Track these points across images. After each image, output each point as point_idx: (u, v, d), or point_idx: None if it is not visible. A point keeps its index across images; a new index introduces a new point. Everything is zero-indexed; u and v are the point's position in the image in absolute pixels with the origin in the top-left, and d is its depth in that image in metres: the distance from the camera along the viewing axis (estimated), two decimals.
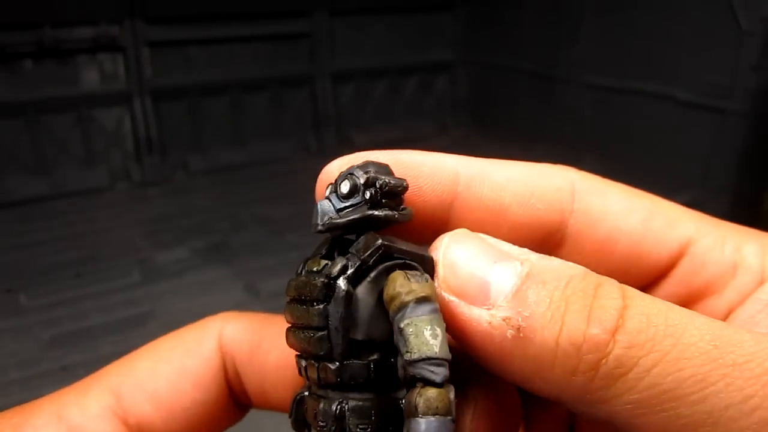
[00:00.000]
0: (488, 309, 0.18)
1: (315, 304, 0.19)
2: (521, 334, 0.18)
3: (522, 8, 1.56)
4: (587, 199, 0.24)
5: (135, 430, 0.24)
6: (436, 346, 0.18)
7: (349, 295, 0.19)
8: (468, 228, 0.21)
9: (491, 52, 1.67)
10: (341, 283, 0.19)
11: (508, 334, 0.18)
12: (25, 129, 1.26)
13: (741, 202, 1.16)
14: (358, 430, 0.19)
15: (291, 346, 0.20)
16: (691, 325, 0.17)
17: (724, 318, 0.24)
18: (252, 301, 0.89)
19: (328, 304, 0.19)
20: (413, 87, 1.69)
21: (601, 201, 0.24)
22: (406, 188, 0.21)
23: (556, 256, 0.24)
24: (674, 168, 1.27)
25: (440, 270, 0.19)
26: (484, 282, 0.19)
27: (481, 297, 0.19)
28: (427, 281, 0.19)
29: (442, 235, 0.20)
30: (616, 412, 0.17)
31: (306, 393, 0.21)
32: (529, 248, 0.23)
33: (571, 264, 0.19)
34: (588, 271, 0.19)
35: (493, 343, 0.18)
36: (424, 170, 0.22)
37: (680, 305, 0.24)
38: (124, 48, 1.32)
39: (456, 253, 0.20)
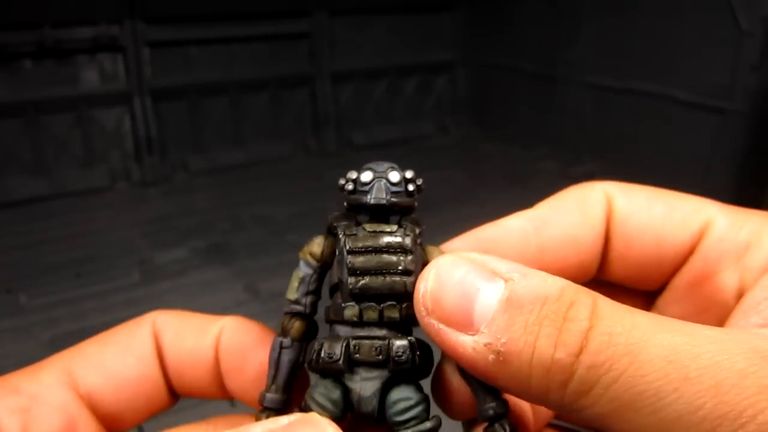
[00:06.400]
0: (472, 335, 0.21)
1: (408, 254, 0.24)
2: (501, 359, 0.21)
3: (522, 8, 1.56)
4: (616, 202, 0.29)
5: (86, 398, 0.26)
6: None
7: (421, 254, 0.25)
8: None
9: (491, 52, 1.67)
10: (419, 243, 0.25)
11: (489, 359, 0.21)
12: (25, 129, 1.26)
13: (741, 202, 1.15)
14: (422, 358, 0.24)
15: (362, 290, 0.24)
16: (652, 342, 0.19)
17: (736, 293, 0.27)
18: (252, 301, 0.89)
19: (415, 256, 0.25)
20: (413, 87, 1.69)
21: (627, 202, 0.29)
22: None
23: (605, 255, 0.29)
24: (674, 168, 1.26)
25: (428, 299, 0.22)
26: (467, 309, 0.21)
27: (465, 323, 0.21)
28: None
29: (429, 264, 0.23)
30: (590, 420, 0.20)
31: (346, 337, 0.24)
32: (591, 253, 0.29)
33: (550, 281, 0.21)
34: (565, 288, 0.21)
35: (479, 366, 0.21)
36: (503, 237, 0.28)
37: (699, 281, 0.28)
38: (124, 48, 1.32)
39: (443, 281, 0.22)
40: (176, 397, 0.29)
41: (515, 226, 0.28)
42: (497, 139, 1.63)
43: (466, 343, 0.21)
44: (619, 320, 0.20)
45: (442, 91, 1.74)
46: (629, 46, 1.32)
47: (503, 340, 0.20)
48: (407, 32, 1.65)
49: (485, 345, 0.21)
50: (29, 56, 1.24)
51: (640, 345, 0.19)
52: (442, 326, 0.22)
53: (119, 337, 0.28)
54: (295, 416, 0.22)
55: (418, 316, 0.23)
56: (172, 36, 1.36)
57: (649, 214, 0.28)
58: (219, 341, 0.28)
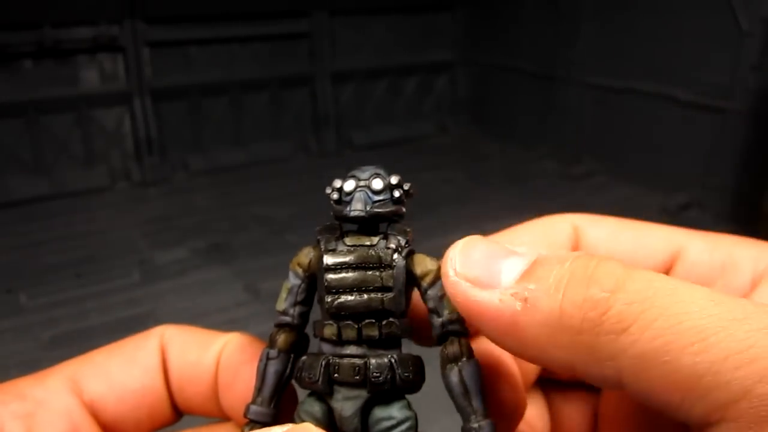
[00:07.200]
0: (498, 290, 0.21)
1: (386, 269, 0.24)
2: (528, 304, 0.20)
3: (522, 8, 1.56)
4: (584, 232, 0.28)
5: (89, 406, 0.26)
6: None
7: (405, 265, 0.24)
8: None
9: (491, 52, 1.67)
10: (402, 255, 0.24)
11: (516, 306, 0.20)
12: (25, 129, 1.26)
13: (741, 202, 1.16)
14: (405, 376, 0.23)
15: (338, 309, 0.23)
16: (692, 288, 0.19)
17: None
18: (252, 301, 0.89)
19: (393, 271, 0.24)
20: (413, 87, 1.69)
21: (595, 231, 0.28)
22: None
23: None
24: (674, 168, 1.27)
25: (456, 262, 0.22)
26: (495, 270, 0.21)
27: (493, 282, 0.21)
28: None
29: (458, 242, 0.23)
30: (624, 368, 0.18)
31: (326, 356, 0.24)
32: None
33: (576, 252, 0.21)
34: (592, 254, 0.20)
35: (505, 317, 0.20)
36: None
37: None
38: (124, 48, 1.32)
39: (471, 249, 0.22)
40: (180, 414, 0.28)
41: None
42: (497, 139, 1.63)
43: (493, 296, 0.21)
44: (655, 274, 0.19)
45: (441, 91, 1.74)
46: (629, 46, 1.33)
47: (531, 287, 0.20)
48: (407, 32, 1.65)
49: (512, 294, 0.20)
50: (29, 56, 1.24)
51: (680, 289, 0.18)
52: (467, 284, 0.21)
53: (127, 348, 0.28)
54: (287, 426, 0.21)
55: (444, 279, 0.22)
56: (172, 36, 1.36)
57: (618, 242, 0.28)
58: (220, 357, 0.28)
